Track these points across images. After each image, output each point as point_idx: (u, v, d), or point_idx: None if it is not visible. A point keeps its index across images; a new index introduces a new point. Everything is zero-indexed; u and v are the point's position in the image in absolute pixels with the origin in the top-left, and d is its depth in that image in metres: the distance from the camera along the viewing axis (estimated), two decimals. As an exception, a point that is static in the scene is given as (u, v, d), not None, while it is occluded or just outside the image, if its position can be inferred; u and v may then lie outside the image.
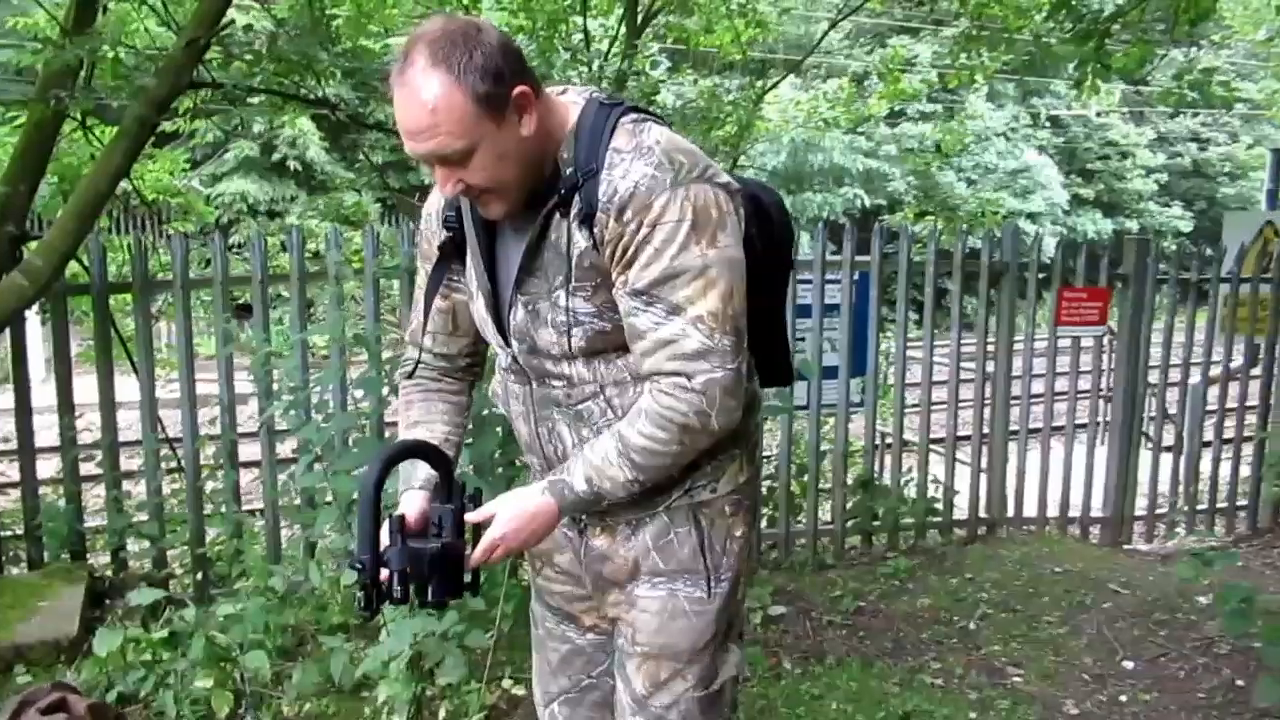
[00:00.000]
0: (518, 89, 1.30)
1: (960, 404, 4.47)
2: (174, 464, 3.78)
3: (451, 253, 1.51)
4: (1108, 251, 4.68)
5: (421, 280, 1.57)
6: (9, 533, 3.61)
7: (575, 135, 1.37)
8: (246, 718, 2.48)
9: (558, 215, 1.38)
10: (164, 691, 2.44)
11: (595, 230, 1.34)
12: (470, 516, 1.40)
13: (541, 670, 1.73)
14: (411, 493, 1.46)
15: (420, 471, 1.48)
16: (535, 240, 1.39)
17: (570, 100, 1.41)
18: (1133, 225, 20.56)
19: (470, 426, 2.25)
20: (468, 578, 1.39)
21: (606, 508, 1.46)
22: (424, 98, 1.26)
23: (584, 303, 1.39)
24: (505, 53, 1.29)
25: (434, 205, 1.55)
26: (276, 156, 15.31)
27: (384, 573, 1.34)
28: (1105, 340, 4.90)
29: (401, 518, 1.37)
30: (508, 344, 1.48)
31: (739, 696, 1.66)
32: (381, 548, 1.34)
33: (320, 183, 15.93)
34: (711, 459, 1.48)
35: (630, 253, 1.33)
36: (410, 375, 1.60)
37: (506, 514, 1.40)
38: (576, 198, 1.35)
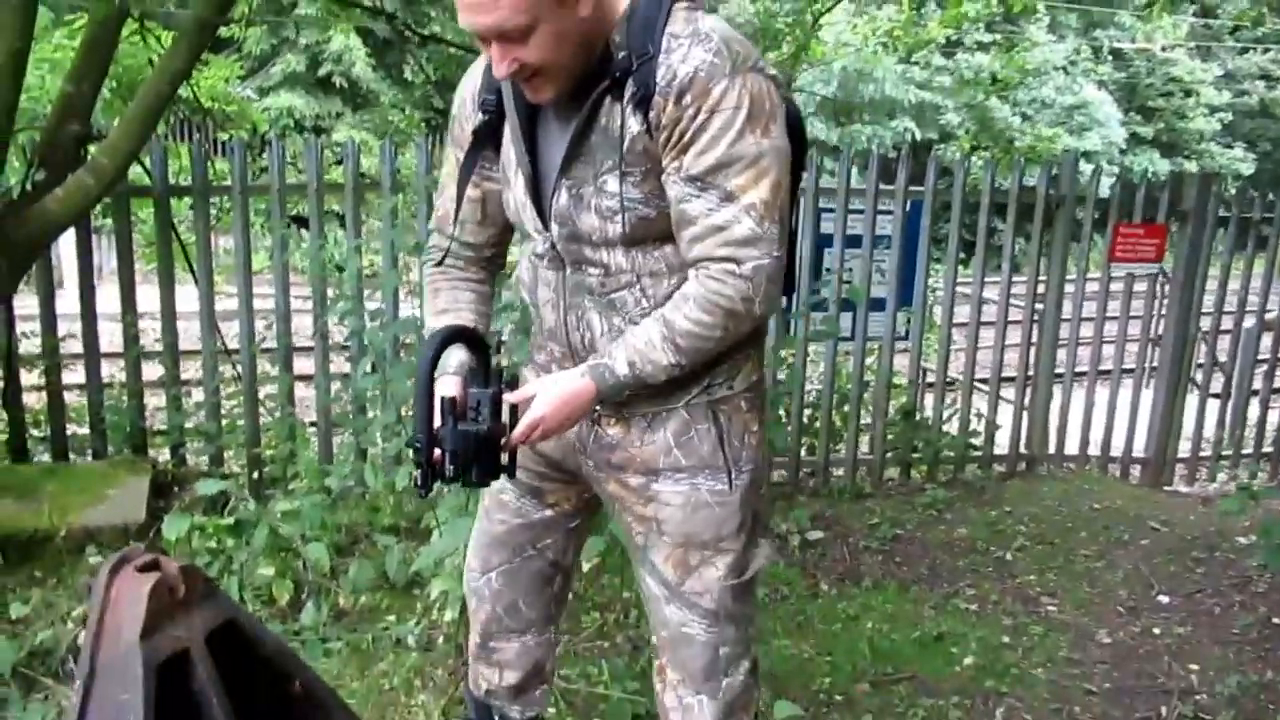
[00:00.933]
0: None
1: (1007, 345, 4.44)
2: (231, 370, 3.88)
3: (486, 138, 1.52)
4: (1167, 189, 4.56)
5: (451, 168, 1.59)
6: (74, 430, 3.73)
7: (629, 20, 1.37)
8: (307, 605, 2.59)
9: (608, 99, 1.38)
10: (229, 577, 2.55)
11: (651, 114, 1.35)
12: (510, 397, 1.44)
13: (481, 540, 1.78)
14: (447, 378, 1.48)
15: (453, 358, 1.51)
16: (584, 124, 1.39)
17: None
18: (1191, 166, 19.93)
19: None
20: (504, 459, 1.44)
21: (626, 399, 1.50)
22: None
23: (632, 188, 1.40)
24: None
25: (469, 90, 1.56)
26: (322, 72, 15.24)
27: (435, 453, 1.39)
28: (1159, 284, 4.82)
29: (454, 400, 1.41)
30: (546, 228, 1.49)
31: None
32: (434, 429, 1.39)
33: (365, 99, 15.87)
34: (729, 357, 1.52)
35: (687, 137, 1.34)
36: (440, 263, 1.62)
37: (546, 395, 1.44)
38: (630, 81, 1.35)
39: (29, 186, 3.09)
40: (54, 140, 3.27)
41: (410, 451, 1.43)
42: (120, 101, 4.27)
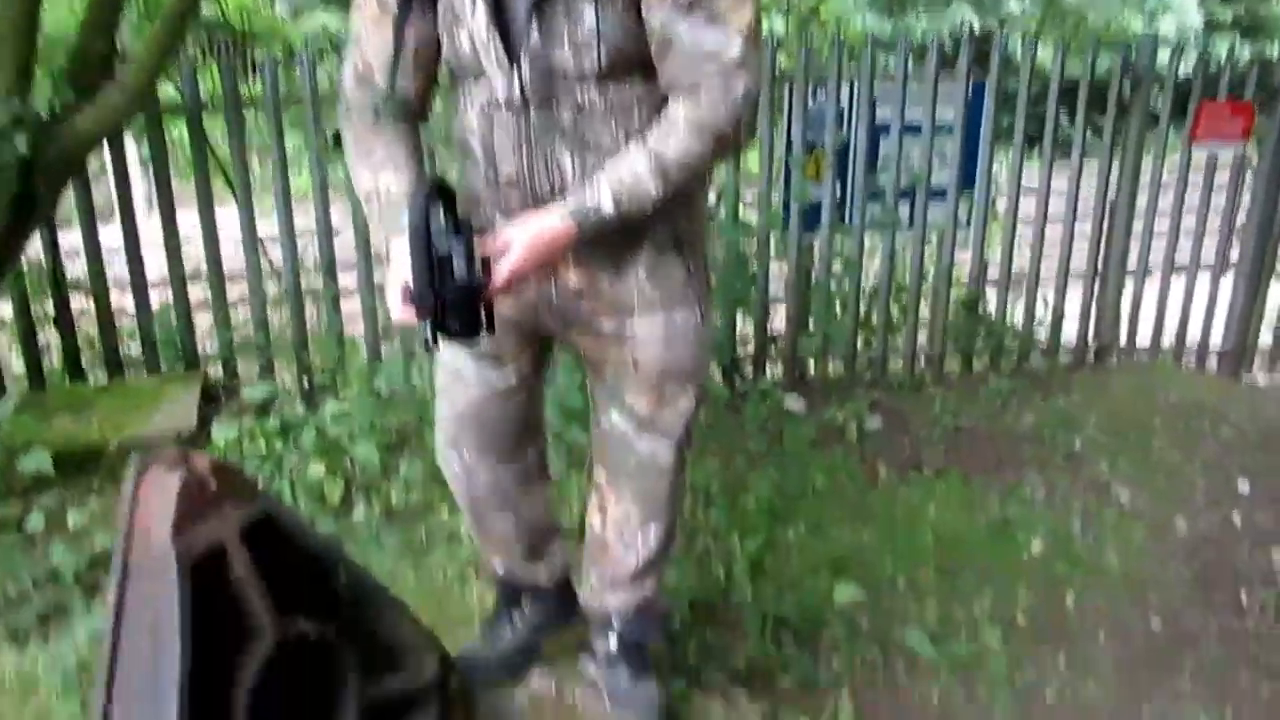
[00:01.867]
0: None
1: (1076, 238, 4.18)
2: (275, 286, 3.83)
3: None
4: (1255, 68, 4.20)
5: (373, 14, 1.47)
6: (126, 351, 3.74)
7: None
8: (358, 504, 2.58)
9: None
10: (279, 479, 2.55)
11: None
12: (488, 247, 1.39)
13: (448, 417, 1.72)
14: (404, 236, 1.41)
15: (405, 214, 1.42)
16: None
17: None
18: (1276, 50, 18.73)
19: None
20: (482, 313, 1.39)
21: (589, 242, 1.45)
22: None
23: (609, 17, 1.36)
24: None
25: None
26: (359, -10, 15.04)
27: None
28: (1240, 167, 4.49)
29: (448, 256, 1.35)
30: (513, 66, 1.41)
31: None
32: (435, 285, 1.34)
33: (404, 17, 15.62)
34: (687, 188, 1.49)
35: None
36: (377, 116, 1.53)
37: (524, 241, 1.39)
38: None
39: (58, 108, 3.05)
40: (82, 61, 3.22)
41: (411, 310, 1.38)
42: (148, 23, 4.19)
